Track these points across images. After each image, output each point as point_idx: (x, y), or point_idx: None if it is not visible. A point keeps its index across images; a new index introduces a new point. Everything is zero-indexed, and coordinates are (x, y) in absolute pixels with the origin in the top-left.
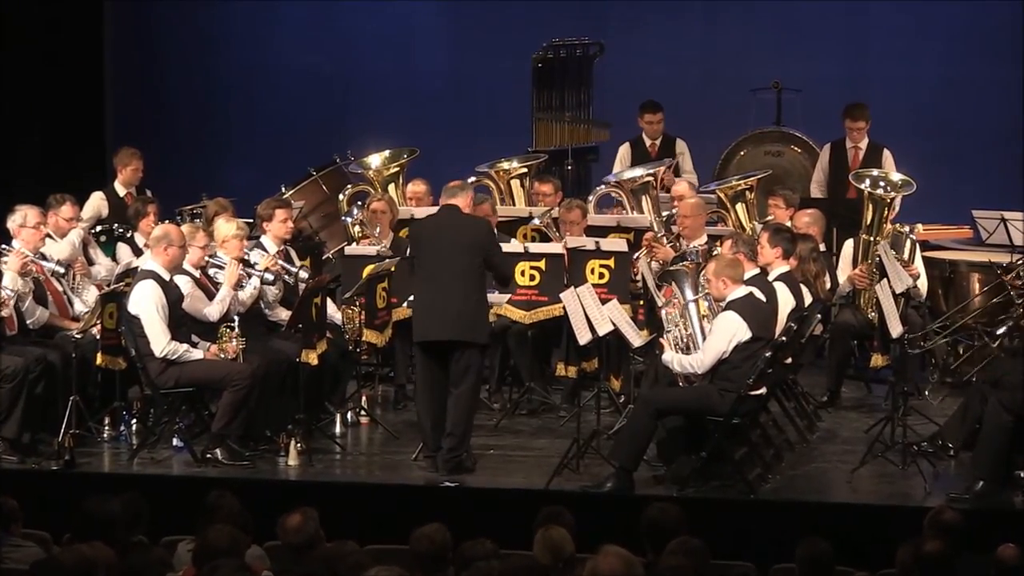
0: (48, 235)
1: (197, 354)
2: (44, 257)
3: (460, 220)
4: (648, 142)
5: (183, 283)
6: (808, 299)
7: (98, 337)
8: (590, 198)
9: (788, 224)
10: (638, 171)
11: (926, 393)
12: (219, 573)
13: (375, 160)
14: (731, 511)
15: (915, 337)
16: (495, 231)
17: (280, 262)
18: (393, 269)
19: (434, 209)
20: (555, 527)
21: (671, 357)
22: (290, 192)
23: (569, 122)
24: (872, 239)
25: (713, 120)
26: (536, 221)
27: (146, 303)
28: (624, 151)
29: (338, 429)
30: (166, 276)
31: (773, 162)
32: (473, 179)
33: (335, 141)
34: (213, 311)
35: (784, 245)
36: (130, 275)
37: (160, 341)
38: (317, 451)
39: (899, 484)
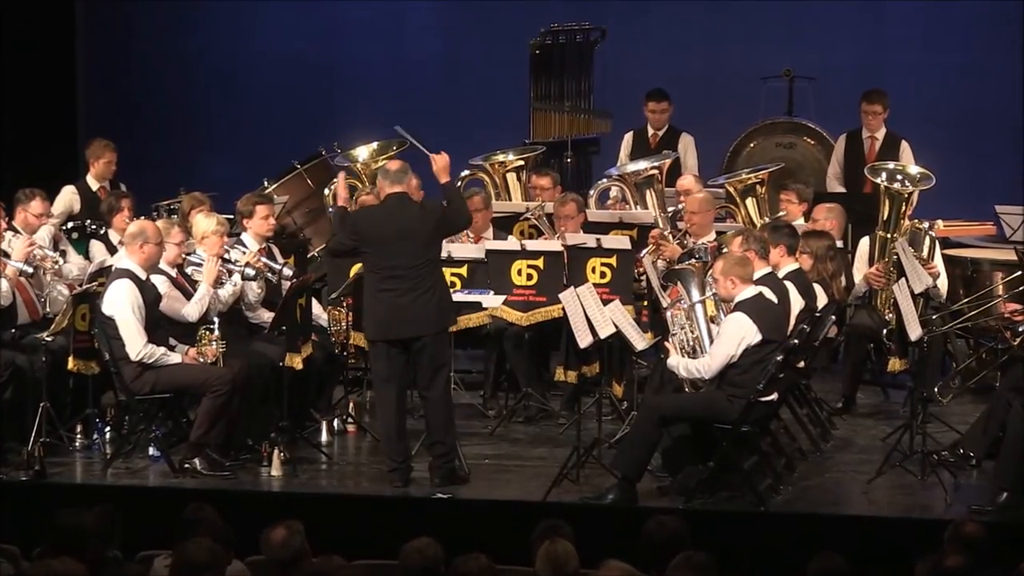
0: (16, 231)
1: (175, 358)
2: (6, 254)
3: (413, 210)
4: (651, 132)
5: (159, 283)
6: (823, 299)
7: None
8: (591, 192)
9: (800, 220)
10: (642, 164)
11: (947, 398)
12: None
13: (362, 152)
14: (740, 524)
15: (932, 320)
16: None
17: (263, 259)
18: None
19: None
20: (561, 541)
21: (677, 361)
22: (273, 186)
23: (568, 112)
24: (889, 236)
25: (721, 110)
26: (528, 214)
27: (121, 304)
28: (627, 140)
29: (324, 437)
30: (142, 275)
31: (785, 154)
32: (467, 172)
33: (321, 132)
34: (191, 311)
35: (785, 241)
36: (104, 274)
37: (136, 344)
38: (302, 461)
39: (918, 495)
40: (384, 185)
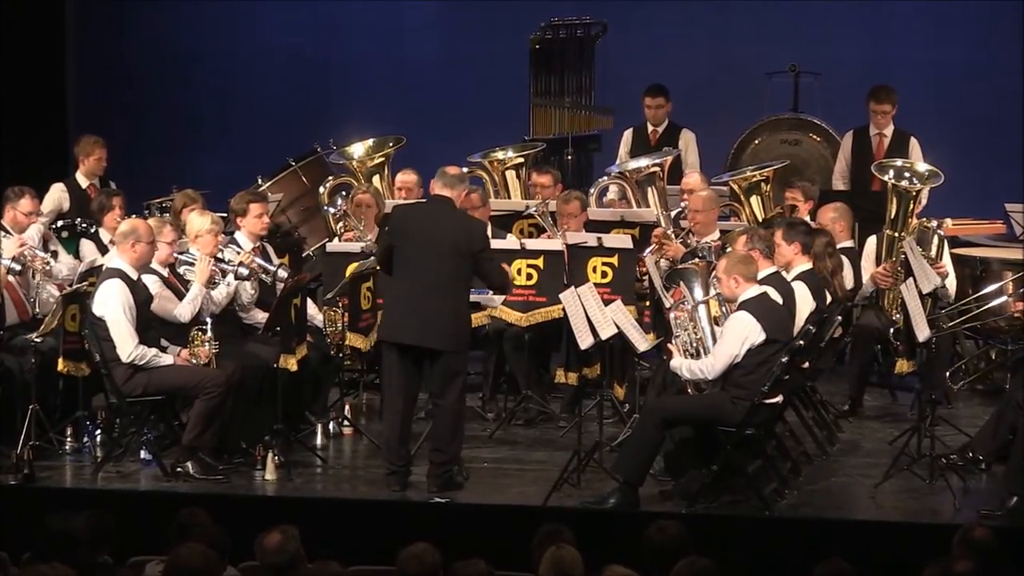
0: (5, 230)
1: (167, 359)
2: None
3: (453, 217)
4: (650, 129)
5: (151, 282)
6: (828, 299)
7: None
8: (591, 190)
9: (806, 218)
10: (644, 161)
11: (958, 386)
12: None
13: (358, 149)
14: (744, 529)
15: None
16: (489, 234)
17: (257, 260)
18: (379, 267)
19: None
20: (566, 546)
21: (679, 363)
22: (267, 184)
23: (569, 108)
24: (897, 235)
25: (725, 106)
26: (532, 211)
27: (112, 304)
28: (626, 137)
29: (319, 440)
30: (133, 275)
31: (790, 151)
32: (466, 170)
33: (316, 129)
34: (184, 311)
35: (801, 239)
36: (94, 274)
37: (127, 345)
38: (296, 464)
39: (926, 500)
40: (436, 184)
